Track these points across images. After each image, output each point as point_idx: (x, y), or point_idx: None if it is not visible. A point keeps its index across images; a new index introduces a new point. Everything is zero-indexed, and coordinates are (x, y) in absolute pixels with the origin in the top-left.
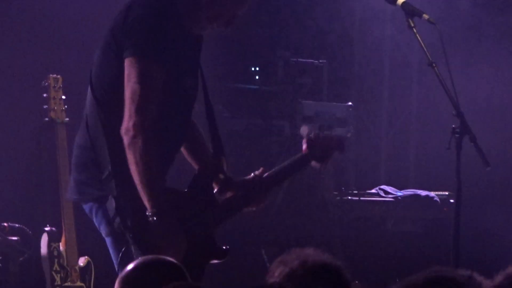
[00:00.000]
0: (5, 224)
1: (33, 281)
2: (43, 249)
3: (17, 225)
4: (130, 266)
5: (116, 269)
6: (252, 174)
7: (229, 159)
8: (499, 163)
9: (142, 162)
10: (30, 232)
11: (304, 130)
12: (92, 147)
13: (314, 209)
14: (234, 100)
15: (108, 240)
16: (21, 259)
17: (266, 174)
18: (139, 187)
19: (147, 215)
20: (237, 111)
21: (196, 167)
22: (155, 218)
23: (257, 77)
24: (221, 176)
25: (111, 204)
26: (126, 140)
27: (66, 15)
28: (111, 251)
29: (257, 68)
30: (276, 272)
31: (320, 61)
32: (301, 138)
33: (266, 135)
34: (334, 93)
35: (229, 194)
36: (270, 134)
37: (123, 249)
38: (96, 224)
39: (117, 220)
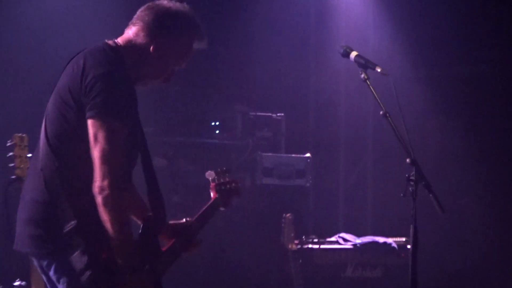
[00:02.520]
0: None
1: None
2: None
3: None
4: None
5: None
6: (184, 219)
7: (193, 210)
8: (455, 209)
9: (117, 221)
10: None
11: (209, 174)
12: (51, 202)
13: (275, 258)
14: (196, 153)
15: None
16: None
17: (192, 220)
18: (115, 237)
19: (122, 264)
20: (198, 165)
21: (139, 221)
22: (130, 266)
23: (217, 131)
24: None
25: (79, 257)
26: (100, 199)
27: (31, 73)
28: None
29: (217, 123)
30: None
31: (278, 114)
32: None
33: None
34: (292, 145)
35: (169, 240)
36: None
37: None
38: (53, 278)
39: (87, 273)
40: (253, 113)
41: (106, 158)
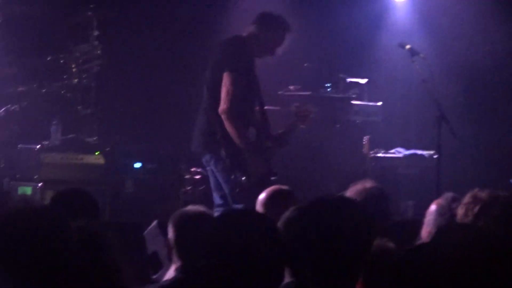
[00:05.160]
0: None
1: None
2: None
3: (199, 169)
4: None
5: (228, 193)
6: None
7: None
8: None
9: (234, 129)
10: None
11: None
12: (208, 123)
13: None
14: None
15: (220, 175)
16: (201, 188)
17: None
18: (236, 141)
19: (243, 153)
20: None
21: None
22: (249, 155)
23: (328, 89)
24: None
25: (223, 153)
26: (223, 117)
27: None
28: (222, 181)
29: (329, 84)
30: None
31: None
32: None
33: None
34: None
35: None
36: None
37: (232, 177)
38: (212, 167)
39: (227, 160)
40: (349, 80)
41: (227, 93)
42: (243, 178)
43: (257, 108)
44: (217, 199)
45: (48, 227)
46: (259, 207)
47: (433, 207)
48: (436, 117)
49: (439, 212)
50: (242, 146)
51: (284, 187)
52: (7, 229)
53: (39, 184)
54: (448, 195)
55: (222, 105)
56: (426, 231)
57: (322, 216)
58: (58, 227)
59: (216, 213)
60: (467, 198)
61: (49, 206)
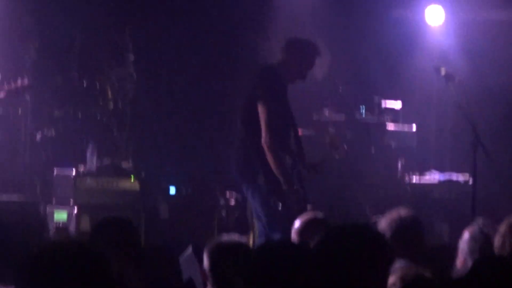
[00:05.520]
0: None
1: None
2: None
3: (234, 194)
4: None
5: (265, 221)
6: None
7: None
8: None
9: (275, 160)
10: None
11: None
12: (245, 153)
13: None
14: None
15: (258, 204)
16: (236, 213)
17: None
18: (276, 172)
19: (283, 187)
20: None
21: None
22: (286, 184)
23: (363, 113)
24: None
25: (261, 180)
26: (265, 148)
27: None
28: (260, 210)
29: (363, 107)
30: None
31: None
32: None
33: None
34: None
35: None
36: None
37: (266, 204)
38: (250, 197)
39: (264, 187)
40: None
41: (266, 124)
42: (280, 205)
43: (292, 135)
44: (260, 228)
45: (88, 267)
46: (294, 235)
47: (466, 234)
48: (472, 142)
49: (473, 239)
50: (281, 177)
51: (318, 214)
52: (45, 265)
53: (75, 209)
54: (479, 220)
55: (264, 137)
56: (460, 260)
57: (336, 244)
58: (99, 268)
59: (259, 241)
60: (503, 228)
61: (90, 238)
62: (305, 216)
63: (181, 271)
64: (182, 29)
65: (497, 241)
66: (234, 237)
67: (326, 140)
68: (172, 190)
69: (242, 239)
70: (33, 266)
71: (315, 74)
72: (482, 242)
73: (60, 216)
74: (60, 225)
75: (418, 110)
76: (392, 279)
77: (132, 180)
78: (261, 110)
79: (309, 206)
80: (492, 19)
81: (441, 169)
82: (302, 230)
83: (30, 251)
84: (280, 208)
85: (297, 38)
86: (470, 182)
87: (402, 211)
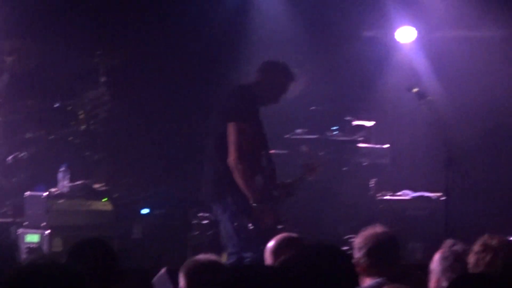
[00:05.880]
0: None
1: None
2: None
3: (206, 214)
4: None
5: (236, 241)
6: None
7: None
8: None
9: (242, 179)
10: None
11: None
12: (215, 173)
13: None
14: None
15: (228, 224)
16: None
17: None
18: (244, 191)
19: (250, 204)
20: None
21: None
22: (255, 205)
23: (335, 132)
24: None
25: (230, 201)
26: (232, 167)
27: None
28: (231, 230)
29: (335, 127)
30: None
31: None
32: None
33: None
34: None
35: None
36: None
37: (236, 224)
38: (221, 216)
39: (234, 208)
40: (355, 123)
41: (233, 143)
42: (250, 226)
43: (264, 155)
44: (229, 247)
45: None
46: (268, 255)
47: (437, 255)
48: (445, 159)
49: (444, 259)
50: (250, 195)
51: (293, 234)
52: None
53: (47, 232)
54: (448, 241)
55: (230, 156)
56: (433, 281)
57: (301, 264)
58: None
59: (230, 260)
60: (477, 246)
61: (67, 259)
62: (280, 235)
63: None
64: (154, 50)
65: (471, 259)
66: (210, 256)
67: (301, 162)
68: (145, 211)
69: (219, 258)
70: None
71: (288, 93)
72: (453, 262)
73: (32, 238)
74: (32, 247)
75: (391, 129)
76: None
77: (104, 201)
78: (229, 130)
79: (280, 226)
80: (462, 36)
81: (414, 188)
82: (276, 250)
83: (2, 273)
84: (251, 228)
85: (272, 61)
86: (443, 199)
87: (377, 229)
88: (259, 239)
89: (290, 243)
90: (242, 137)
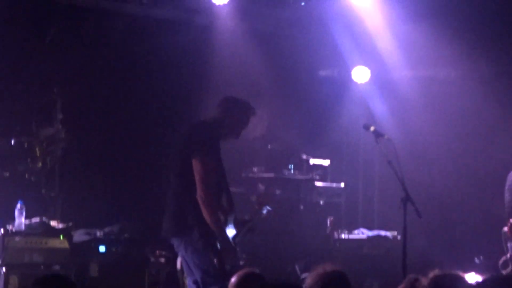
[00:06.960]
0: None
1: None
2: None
3: (163, 252)
4: None
5: (198, 276)
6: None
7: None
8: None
9: (211, 215)
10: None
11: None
12: (179, 208)
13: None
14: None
15: (190, 259)
16: (166, 271)
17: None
18: (212, 227)
19: (216, 238)
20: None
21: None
22: (221, 239)
23: (291, 171)
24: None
25: (196, 235)
26: (201, 202)
27: None
28: (193, 265)
29: (292, 165)
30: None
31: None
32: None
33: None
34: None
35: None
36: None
37: (201, 258)
38: (183, 252)
39: (200, 242)
40: (313, 162)
41: (202, 179)
42: (215, 261)
43: (224, 192)
44: (190, 284)
45: None
46: None
47: None
48: (402, 198)
49: None
50: (217, 231)
51: (255, 270)
52: None
53: (3, 269)
54: (411, 276)
55: (199, 192)
56: None
57: None
58: None
59: None
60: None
61: None
62: (242, 271)
63: None
64: (112, 86)
65: None
66: None
67: (253, 198)
68: (102, 248)
69: None
70: None
71: (253, 132)
72: None
73: None
74: None
75: (346, 167)
76: None
77: (61, 239)
78: (197, 165)
79: (241, 262)
80: (415, 76)
81: (369, 227)
82: (239, 285)
83: None
84: (215, 263)
85: (233, 97)
86: (399, 238)
87: (327, 267)
88: (223, 274)
89: (252, 279)
90: (209, 173)
